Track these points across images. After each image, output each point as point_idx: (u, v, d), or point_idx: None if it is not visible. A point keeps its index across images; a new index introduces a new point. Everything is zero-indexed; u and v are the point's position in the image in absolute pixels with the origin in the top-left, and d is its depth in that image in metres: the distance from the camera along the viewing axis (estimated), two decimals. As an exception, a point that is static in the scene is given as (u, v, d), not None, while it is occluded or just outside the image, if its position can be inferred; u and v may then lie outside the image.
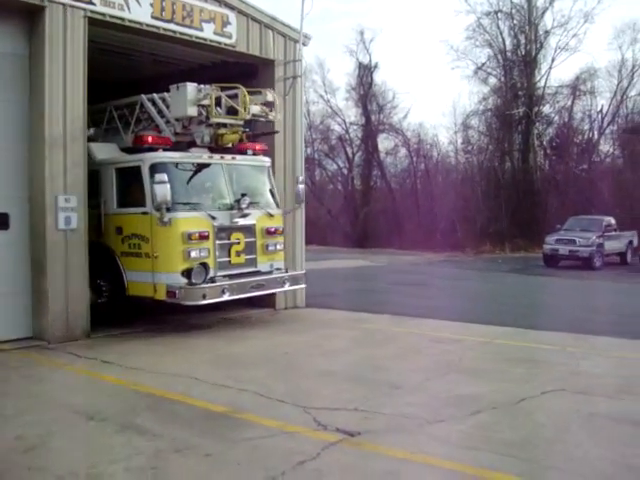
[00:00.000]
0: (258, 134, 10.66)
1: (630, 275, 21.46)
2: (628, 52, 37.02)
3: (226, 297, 9.47)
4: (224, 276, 9.60)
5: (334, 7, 66.89)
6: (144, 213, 9.70)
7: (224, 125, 10.00)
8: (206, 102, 9.67)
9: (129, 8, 9.80)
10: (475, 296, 15.58)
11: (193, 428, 5.60)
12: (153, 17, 10.13)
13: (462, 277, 20.15)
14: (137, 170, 9.80)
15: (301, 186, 11.52)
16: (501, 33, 37.63)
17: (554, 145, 38.68)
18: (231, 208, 9.98)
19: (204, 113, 9.74)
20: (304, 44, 12.30)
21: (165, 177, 9.08)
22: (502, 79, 38.17)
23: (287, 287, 10.63)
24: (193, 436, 5.38)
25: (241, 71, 11.42)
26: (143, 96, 10.55)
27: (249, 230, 10.20)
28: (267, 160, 11.11)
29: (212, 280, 9.42)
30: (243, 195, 10.05)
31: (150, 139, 9.85)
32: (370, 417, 5.79)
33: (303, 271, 11.35)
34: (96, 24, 9.49)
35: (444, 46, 53.70)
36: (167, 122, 10.27)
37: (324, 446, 5.07)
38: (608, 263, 23.62)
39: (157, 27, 10.23)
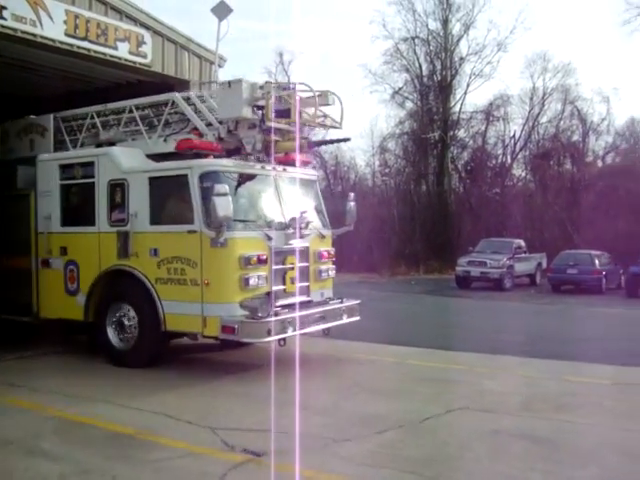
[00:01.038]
0: (324, 142, 10.18)
1: (538, 296, 22.26)
2: (539, 81, 38.94)
3: (290, 332, 8.09)
4: (282, 307, 8.36)
5: (254, 27, 68.08)
6: (191, 232, 8.19)
7: (276, 131, 8.71)
8: (262, 102, 8.50)
9: (42, 24, 9.59)
10: (387, 317, 15.77)
11: (100, 451, 5.52)
12: (67, 34, 9.95)
13: (375, 298, 20.19)
14: (182, 180, 8.29)
15: (352, 203, 10.20)
16: (418, 59, 38.75)
17: (468, 169, 39.99)
18: (285, 227, 8.84)
19: (258, 116, 8.60)
20: (220, 66, 12.28)
21: (227, 188, 7.67)
22: (418, 103, 39.27)
23: (345, 319, 9.26)
24: (99, 459, 5.32)
25: (157, 91, 11.17)
26: (177, 94, 9.44)
27: (303, 254, 8.95)
28: (315, 173, 10.30)
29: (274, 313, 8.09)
30: (302, 213, 8.92)
31: (199, 144, 8.47)
32: (277, 437, 5.81)
33: (358, 301, 9.74)
34: (6, 39, 9.24)
35: (362, 70, 54.83)
36: (207, 125, 8.98)
37: (230, 467, 5.11)
38: (518, 284, 24.45)
39: (70, 44, 10.04)
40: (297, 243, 8.92)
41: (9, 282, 10.24)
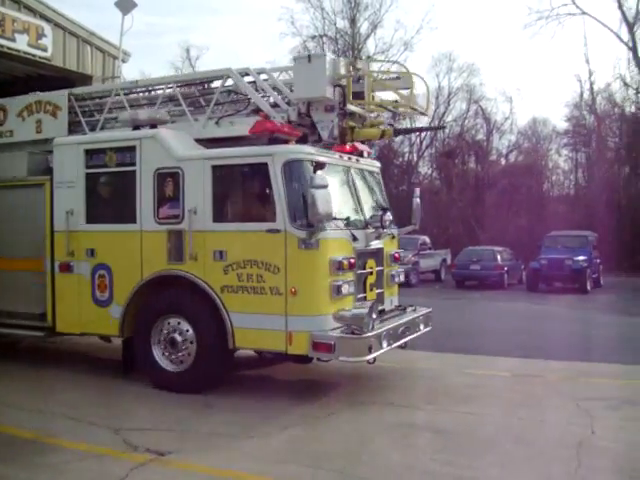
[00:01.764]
0: (414, 130, 8.90)
1: (443, 292, 22.09)
2: (444, 80, 40.18)
3: (385, 348, 6.95)
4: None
5: (160, 22, 66.59)
6: (272, 231, 6.83)
7: (352, 115, 7.64)
8: (344, 82, 7.35)
9: None
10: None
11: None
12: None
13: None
14: (259, 169, 6.98)
15: (418, 200, 8.87)
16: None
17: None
18: (365, 226, 7.72)
19: (337, 97, 7.34)
20: (123, 61, 11.92)
21: (327, 180, 6.53)
22: (327, 100, 39.28)
23: (422, 330, 8.16)
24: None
25: (58, 86, 9.59)
26: (233, 69, 7.86)
27: (379, 256, 7.87)
28: (379, 165, 9.01)
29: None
30: (384, 210, 7.73)
31: (280, 128, 7.06)
32: (182, 436, 5.78)
33: (429, 309, 8.59)
34: None
35: (270, 67, 54.00)
36: (273, 106, 7.65)
37: (132, 467, 5.05)
38: (423, 280, 24.39)
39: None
40: (374, 244, 7.78)
41: (12, 291, 8.54)
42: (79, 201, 8.00)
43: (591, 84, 36.66)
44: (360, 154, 8.19)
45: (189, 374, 7.31)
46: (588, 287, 21.46)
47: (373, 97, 7.77)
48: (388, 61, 7.42)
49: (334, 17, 38.12)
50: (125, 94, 8.61)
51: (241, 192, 7.37)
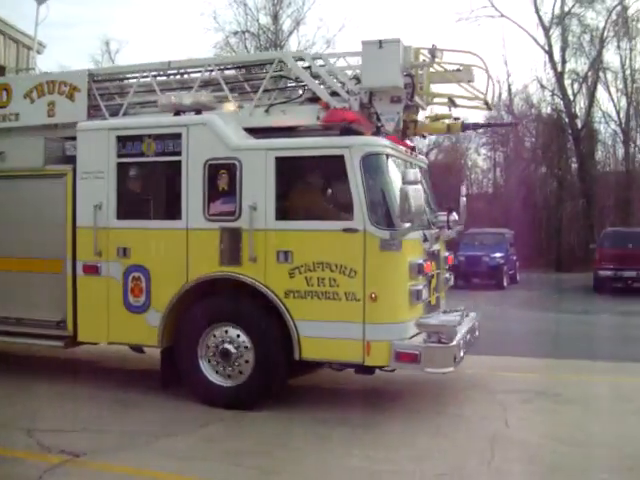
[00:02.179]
0: (485, 125, 8.18)
1: None
2: None
3: (460, 358, 6.37)
4: None
5: (77, 13, 64.77)
6: (349, 230, 6.18)
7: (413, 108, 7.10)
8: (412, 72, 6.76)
9: None
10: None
11: None
12: None
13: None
14: (334, 163, 6.33)
15: (464, 199, 7.96)
16: (248, 53, 37.71)
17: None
18: (428, 226, 7.10)
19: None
20: (38, 52, 11.19)
21: (419, 176, 6.02)
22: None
23: (476, 335, 7.53)
24: None
25: None
26: (287, 52, 7.37)
27: (438, 258, 7.36)
28: (427, 161, 8.54)
29: None
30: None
31: (359, 118, 6.47)
32: (99, 437, 5.70)
33: (474, 313, 7.98)
34: None
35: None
36: (332, 94, 6.87)
37: (46, 469, 4.94)
38: None
39: None
40: (435, 246, 7.27)
41: (25, 295, 7.53)
42: (110, 194, 7.09)
43: (509, 85, 37.72)
44: (413, 149, 7.64)
45: (244, 389, 6.55)
46: (505, 283, 22.17)
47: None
48: (458, 51, 6.82)
49: (257, 13, 37.74)
50: (154, 76, 7.72)
51: (310, 187, 6.70)
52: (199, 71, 7.62)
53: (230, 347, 6.58)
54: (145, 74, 7.72)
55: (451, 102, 7.29)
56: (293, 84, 7.42)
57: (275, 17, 37.73)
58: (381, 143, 6.41)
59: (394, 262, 6.17)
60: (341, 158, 6.24)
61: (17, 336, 7.60)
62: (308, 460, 5.28)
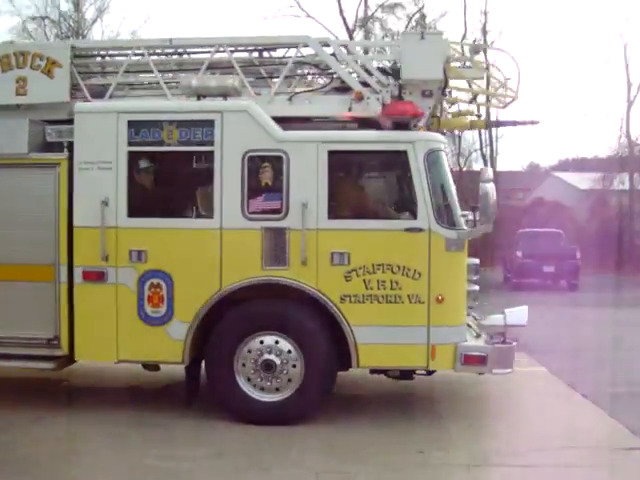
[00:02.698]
0: (507, 123, 7.77)
1: None
2: None
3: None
4: None
5: None
6: (412, 230, 5.84)
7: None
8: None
9: None
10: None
11: None
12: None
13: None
14: (395, 158, 6.01)
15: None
16: (48, 40, 34.23)
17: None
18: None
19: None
20: None
21: (492, 174, 5.76)
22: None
23: None
24: None
25: None
26: (312, 37, 6.45)
27: None
28: None
29: None
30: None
31: (419, 112, 5.97)
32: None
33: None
34: None
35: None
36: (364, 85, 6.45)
37: None
38: None
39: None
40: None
41: (5, 309, 6.26)
42: (119, 188, 6.10)
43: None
44: None
45: (292, 403, 5.99)
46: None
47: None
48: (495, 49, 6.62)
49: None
50: (150, 54, 6.78)
51: (368, 184, 6.30)
52: (207, 51, 6.81)
53: (274, 358, 5.97)
54: (140, 51, 6.75)
55: (474, 98, 7.23)
56: (315, 71, 6.90)
57: (77, 4, 35.43)
58: (443, 140, 6.26)
59: (459, 263, 6.00)
60: (404, 154, 5.90)
61: (-3, 359, 6.29)
62: (105, 462, 5.21)
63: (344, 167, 6.13)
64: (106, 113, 6.17)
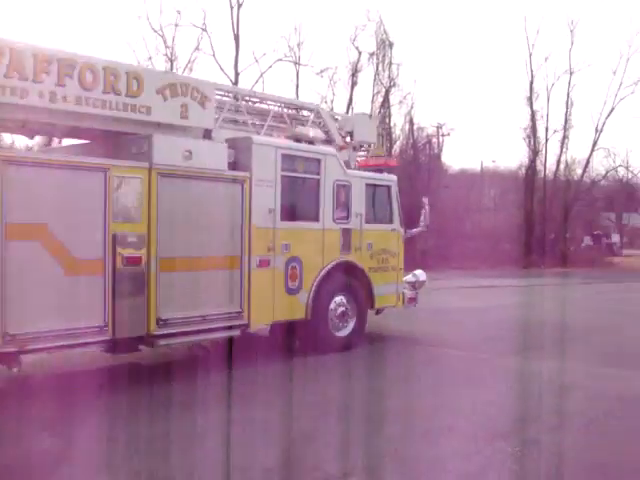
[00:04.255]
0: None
1: None
2: None
3: None
4: None
5: None
6: (393, 230, 10.65)
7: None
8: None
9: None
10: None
11: None
12: None
13: None
14: (386, 189, 10.58)
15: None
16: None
17: None
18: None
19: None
20: None
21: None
22: None
23: None
24: None
25: None
26: (321, 106, 8.65)
27: None
28: None
29: None
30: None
31: (395, 164, 9.56)
32: None
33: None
34: None
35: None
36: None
37: None
38: None
39: None
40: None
41: (205, 292, 7.87)
42: (276, 200, 8.68)
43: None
44: None
45: (353, 335, 9.90)
46: None
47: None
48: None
49: None
50: (236, 99, 9.18)
51: (377, 202, 10.41)
52: (269, 103, 9.77)
53: (345, 309, 9.78)
54: (244, 97, 9.17)
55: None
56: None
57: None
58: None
59: (404, 248, 11.08)
60: (389, 187, 10.63)
61: (200, 333, 7.80)
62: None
63: (370, 193, 10.27)
64: (269, 146, 8.62)
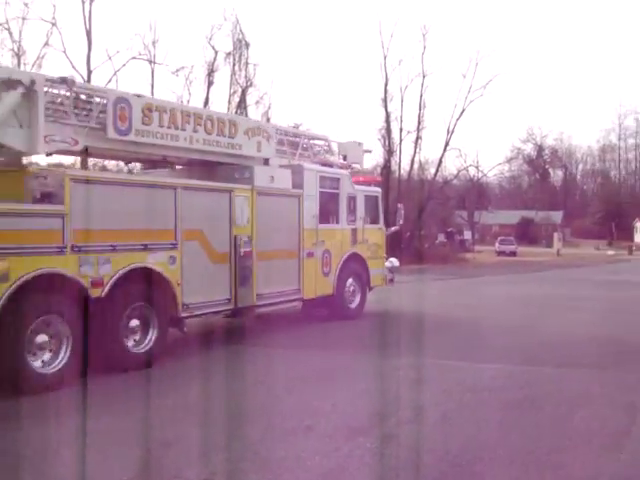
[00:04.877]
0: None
1: None
2: None
3: None
4: None
5: None
6: (380, 228, 14.26)
7: None
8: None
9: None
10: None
11: None
12: None
13: None
14: (375, 198, 14.21)
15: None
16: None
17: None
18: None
19: None
20: None
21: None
22: None
23: None
24: None
25: None
26: (329, 137, 12.53)
27: None
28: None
29: None
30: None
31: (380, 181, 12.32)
32: None
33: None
34: None
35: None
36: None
37: None
38: None
39: None
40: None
41: (276, 275, 11.17)
42: (316, 209, 12.07)
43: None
44: None
45: (359, 307, 13.47)
46: None
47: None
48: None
49: None
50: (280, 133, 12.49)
51: (370, 208, 13.95)
52: (301, 136, 13.12)
53: (354, 287, 13.36)
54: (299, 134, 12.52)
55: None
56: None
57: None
58: None
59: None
60: (377, 197, 14.34)
61: (279, 304, 11.10)
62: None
63: (367, 203, 13.84)
64: (313, 171, 12.01)
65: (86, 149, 8.88)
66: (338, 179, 12.90)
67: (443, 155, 42.69)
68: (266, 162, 11.56)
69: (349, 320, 12.77)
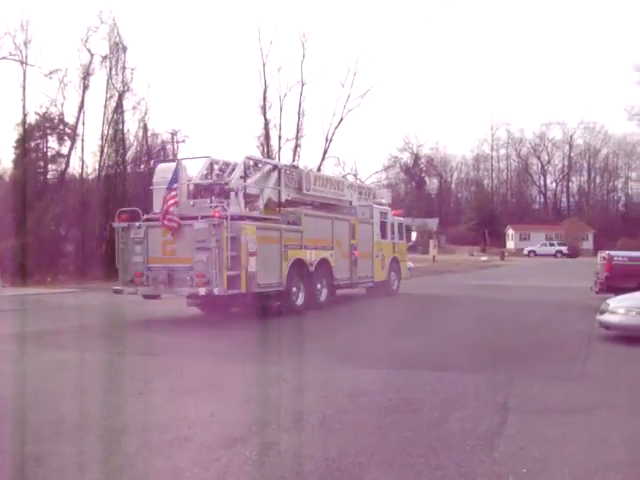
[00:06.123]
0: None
1: None
2: None
3: None
4: None
5: None
6: (390, 242, 21.82)
7: None
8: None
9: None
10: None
11: None
12: None
13: None
14: (400, 224, 22.02)
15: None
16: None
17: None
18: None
19: None
20: None
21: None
22: None
23: None
24: None
25: None
26: (349, 179, 20.59)
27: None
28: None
29: None
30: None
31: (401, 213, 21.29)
32: None
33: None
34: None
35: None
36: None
37: None
38: None
39: None
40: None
41: (364, 267, 19.90)
42: (378, 230, 20.97)
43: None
44: None
45: (397, 289, 22.39)
46: None
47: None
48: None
49: None
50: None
51: (399, 230, 22.83)
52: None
53: (395, 276, 22.34)
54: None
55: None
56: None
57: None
58: None
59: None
60: (402, 223, 23.49)
61: (357, 285, 19.92)
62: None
63: (399, 227, 22.88)
64: (376, 209, 21.08)
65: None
66: (386, 213, 21.94)
67: (322, 163, 42.79)
68: (351, 203, 20.34)
69: (392, 296, 21.50)
